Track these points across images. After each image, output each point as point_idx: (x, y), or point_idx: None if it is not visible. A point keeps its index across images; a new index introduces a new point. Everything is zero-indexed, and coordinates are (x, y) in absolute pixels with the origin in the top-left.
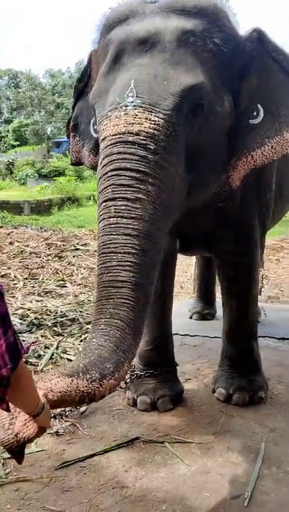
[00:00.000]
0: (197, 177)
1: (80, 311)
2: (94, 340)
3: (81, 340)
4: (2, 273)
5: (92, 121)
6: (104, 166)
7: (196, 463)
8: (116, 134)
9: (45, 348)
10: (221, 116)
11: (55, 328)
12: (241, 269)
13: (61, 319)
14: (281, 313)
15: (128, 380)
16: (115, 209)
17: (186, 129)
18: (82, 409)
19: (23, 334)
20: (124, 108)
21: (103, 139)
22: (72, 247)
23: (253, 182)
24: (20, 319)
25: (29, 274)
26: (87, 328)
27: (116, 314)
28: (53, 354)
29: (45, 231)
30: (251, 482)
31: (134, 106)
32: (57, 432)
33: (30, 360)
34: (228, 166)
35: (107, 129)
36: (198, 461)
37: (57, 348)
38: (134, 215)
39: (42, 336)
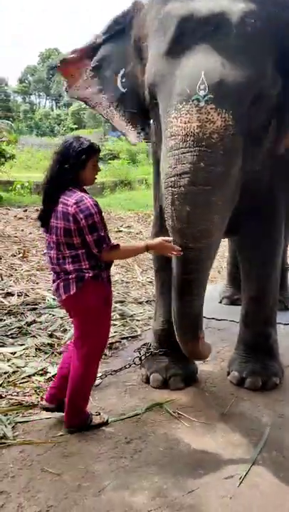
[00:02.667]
0: (246, 158)
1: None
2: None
3: None
4: (45, 251)
5: (121, 73)
6: (177, 176)
7: (196, 441)
8: (188, 135)
9: (72, 323)
10: (272, 98)
11: None
12: (262, 252)
13: None
14: None
15: (143, 358)
16: (192, 235)
17: (246, 120)
18: (97, 382)
19: (54, 309)
20: (195, 102)
21: (172, 136)
22: (116, 229)
23: (281, 166)
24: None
25: None
26: (115, 307)
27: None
28: None
29: None
30: (247, 464)
31: (207, 101)
32: None
33: (55, 333)
34: (274, 138)
35: (178, 126)
36: (199, 439)
37: None
38: (209, 239)
39: None
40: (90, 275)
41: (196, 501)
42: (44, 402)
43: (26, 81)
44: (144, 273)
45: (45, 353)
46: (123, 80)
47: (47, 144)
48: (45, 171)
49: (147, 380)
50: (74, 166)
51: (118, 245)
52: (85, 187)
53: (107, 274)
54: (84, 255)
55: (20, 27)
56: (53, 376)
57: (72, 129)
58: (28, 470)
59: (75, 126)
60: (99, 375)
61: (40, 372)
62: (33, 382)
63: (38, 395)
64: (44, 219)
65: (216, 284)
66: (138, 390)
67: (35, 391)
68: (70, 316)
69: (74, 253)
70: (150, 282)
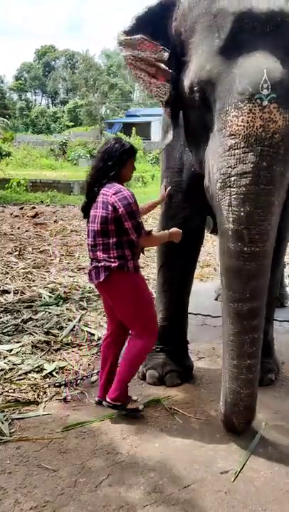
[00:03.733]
0: None
1: None
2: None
3: (104, 315)
4: (42, 249)
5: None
6: (238, 175)
7: (192, 437)
8: (250, 135)
9: (68, 320)
10: None
11: (81, 303)
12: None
13: (88, 294)
14: None
15: None
16: (250, 238)
17: None
18: (94, 378)
19: (50, 307)
20: (258, 101)
21: (232, 135)
22: None
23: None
24: (50, 292)
25: (67, 251)
26: None
27: (254, 353)
28: (74, 326)
29: None
30: (243, 459)
31: (270, 100)
32: (65, 399)
33: (52, 331)
34: None
35: (239, 125)
36: (195, 435)
37: (79, 321)
38: (267, 243)
39: (67, 309)
40: (116, 265)
41: (192, 496)
42: (97, 399)
43: (22, 78)
44: None
45: (42, 350)
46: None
47: (43, 141)
48: (90, 167)
49: (144, 377)
50: (116, 164)
51: (151, 231)
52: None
53: (133, 264)
54: (114, 245)
55: (17, 22)
56: (50, 373)
57: (68, 127)
58: (25, 466)
59: (72, 123)
60: (95, 371)
61: (37, 370)
62: (29, 379)
63: (35, 391)
64: (86, 210)
65: (213, 282)
66: (135, 386)
67: (32, 388)
68: (105, 301)
69: (106, 241)
70: (146, 280)
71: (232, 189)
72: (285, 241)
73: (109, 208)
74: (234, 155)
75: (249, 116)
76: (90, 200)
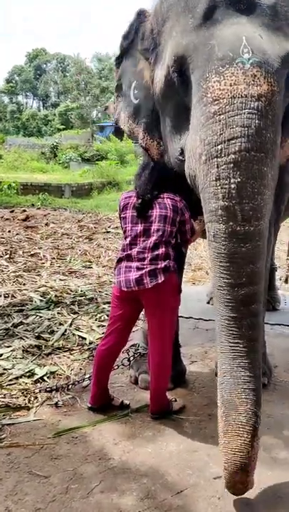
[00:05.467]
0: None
1: (100, 291)
2: (241, 369)
3: (96, 319)
4: (33, 252)
5: (133, 85)
6: (225, 142)
7: (185, 441)
8: (235, 97)
9: (60, 324)
10: None
11: (72, 306)
12: None
13: (80, 298)
14: None
15: (131, 359)
16: (243, 215)
17: (283, 99)
18: (85, 383)
19: (41, 310)
20: (240, 65)
21: (216, 100)
22: (104, 230)
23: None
24: (41, 296)
25: (58, 254)
26: (104, 308)
27: (252, 337)
28: (65, 331)
29: (82, 214)
30: None
31: (252, 64)
32: (56, 404)
33: (43, 335)
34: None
35: (222, 89)
36: (188, 440)
37: (70, 325)
38: (262, 222)
39: (58, 313)
40: (173, 265)
41: (185, 502)
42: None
43: (13, 81)
44: None
45: (33, 354)
46: (135, 92)
47: (34, 144)
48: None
49: (136, 381)
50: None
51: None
52: None
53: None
54: (172, 246)
55: (9, 25)
56: (41, 378)
57: (59, 130)
58: (16, 473)
59: (63, 126)
60: (86, 376)
61: (28, 374)
62: (20, 384)
63: (26, 397)
64: (143, 210)
65: (204, 285)
66: (127, 391)
67: (23, 393)
68: (148, 306)
69: (169, 240)
70: None
71: (219, 159)
72: (269, 249)
73: (179, 211)
74: (219, 121)
75: (232, 80)
76: (148, 201)
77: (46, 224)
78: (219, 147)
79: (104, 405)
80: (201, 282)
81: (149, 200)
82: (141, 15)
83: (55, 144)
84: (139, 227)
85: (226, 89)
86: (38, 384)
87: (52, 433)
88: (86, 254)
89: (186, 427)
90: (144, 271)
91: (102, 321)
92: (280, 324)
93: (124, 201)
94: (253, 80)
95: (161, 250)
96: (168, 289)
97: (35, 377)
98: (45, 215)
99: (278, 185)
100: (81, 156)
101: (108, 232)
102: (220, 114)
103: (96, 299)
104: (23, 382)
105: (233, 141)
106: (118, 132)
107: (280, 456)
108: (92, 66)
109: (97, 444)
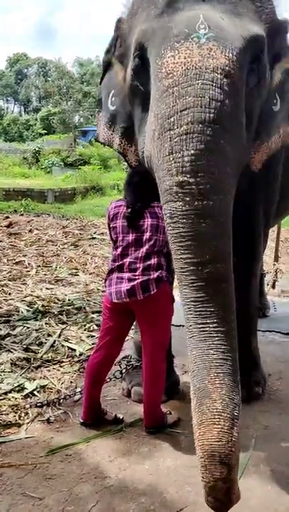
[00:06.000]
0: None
1: (88, 300)
2: (212, 352)
3: (85, 329)
4: (17, 260)
5: (111, 94)
6: (178, 113)
7: (182, 456)
8: (189, 69)
9: (48, 335)
10: (266, 86)
11: (60, 316)
12: (241, 262)
13: (68, 307)
14: None
15: (124, 371)
16: (199, 189)
17: (244, 83)
18: (77, 397)
19: (28, 321)
20: (195, 39)
21: (170, 74)
22: (89, 236)
23: (259, 173)
24: (28, 306)
25: (43, 262)
26: (92, 318)
27: (223, 317)
28: (54, 342)
29: (66, 219)
30: None
31: (208, 38)
32: (48, 420)
33: (31, 347)
34: (251, 147)
35: (176, 62)
36: (184, 455)
37: (59, 336)
38: (221, 196)
39: (46, 324)
40: (165, 275)
41: None
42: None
43: None
44: None
45: (21, 368)
46: (113, 99)
47: (16, 149)
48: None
49: (128, 394)
50: None
51: None
52: None
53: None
54: (164, 255)
55: None
56: (31, 392)
57: (41, 135)
58: (9, 495)
59: (45, 131)
60: (78, 389)
61: (17, 389)
62: (9, 399)
63: (16, 413)
64: (133, 220)
65: None
66: (120, 404)
67: (13, 409)
68: (141, 318)
69: (159, 250)
70: None
71: (172, 132)
72: (260, 239)
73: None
74: (172, 93)
75: (186, 53)
76: (138, 210)
77: (30, 230)
78: (172, 119)
79: (97, 420)
80: None
81: (140, 209)
82: (118, 23)
83: (37, 148)
84: (130, 237)
85: (179, 62)
86: (28, 399)
87: (45, 451)
88: (72, 262)
89: (182, 441)
90: (136, 282)
91: (92, 331)
92: (271, 331)
93: (114, 210)
94: (209, 53)
95: (154, 260)
96: (161, 300)
97: (25, 391)
98: (28, 222)
99: (264, 199)
100: (64, 161)
101: (94, 238)
102: (173, 87)
103: (84, 308)
104: (13, 397)
105: (186, 112)
106: None
107: (278, 469)
108: (73, 71)
109: (92, 462)
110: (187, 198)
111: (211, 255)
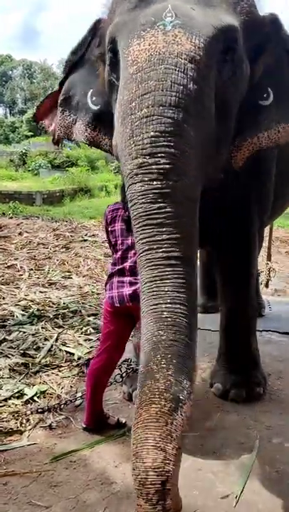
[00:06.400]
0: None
1: (83, 303)
2: (162, 333)
3: (82, 333)
4: (9, 264)
5: (89, 93)
6: (139, 97)
7: (187, 459)
8: (152, 55)
9: (45, 340)
10: (243, 79)
11: (56, 320)
12: (238, 262)
13: (63, 311)
14: (286, 307)
15: (124, 375)
16: (158, 169)
17: (217, 70)
18: (78, 402)
19: (24, 326)
20: (162, 27)
21: (134, 61)
22: (80, 238)
23: (252, 173)
24: (23, 310)
25: (35, 265)
26: (89, 321)
27: (177, 298)
28: (52, 346)
29: (55, 222)
30: (241, 481)
31: (174, 25)
32: (50, 426)
33: (28, 352)
34: (233, 145)
35: (141, 49)
36: (189, 457)
37: (56, 340)
38: (181, 177)
39: (42, 328)
40: None
41: None
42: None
43: None
44: None
45: (20, 373)
46: (93, 98)
47: (2, 151)
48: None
49: (130, 398)
50: None
51: None
52: None
53: None
54: None
55: None
56: (31, 398)
57: (27, 137)
58: (15, 505)
59: (31, 133)
60: (79, 394)
61: (17, 395)
62: (9, 406)
63: (17, 419)
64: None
65: None
66: (121, 408)
67: (14, 416)
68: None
69: None
70: None
71: (133, 116)
72: (255, 239)
73: None
74: (136, 79)
75: (151, 40)
76: None
77: (20, 233)
78: (133, 104)
79: (100, 425)
80: None
81: None
82: (97, 23)
83: (24, 151)
84: (130, 240)
85: (144, 49)
86: (29, 405)
87: (49, 458)
88: (64, 264)
89: (186, 444)
90: (138, 285)
91: (89, 334)
92: (267, 330)
93: (112, 214)
94: (174, 40)
95: None
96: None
97: (25, 397)
98: (18, 225)
99: (259, 198)
100: (51, 162)
101: (85, 240)
102: (137, 73)
103: (80, 311)
104: (13, 403)
105: (147, 96)
106: None
107: (284, 470)
108: (59, 72)
109: (97, 468)
110: (146, 179)
111: (168, 235)
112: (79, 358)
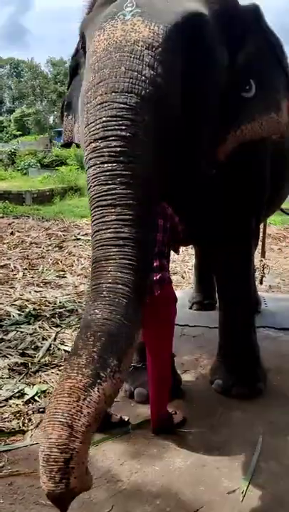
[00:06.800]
0: (193, 132)
1: (79, 302)
2: (97, 311)
3: None
4: (2, 264)
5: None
6: (94, 86)
7: (192, 456)
8: (110, 44)
9: (43, 339)
10: (219, 69)
11: (53, 319)
12: (235, 259)
13: (60, 310)
14: (282, 303)
15: None
16: (109, 152)
17: (184, 57)
18: None
19: (21, 325)
20: (121, 17)
21: (93, 52)
22: (73, 237)
23: (246, 169)
24: (19, 310)
25: (29, 265)
26: None
27: (120, 278)
28: (50, 345)
29: (46, 221)
30: (247, 476)
31: (133, 15)
32: None
33: (27, 351)
34: (219, 138)
35: (100, 39)
36: (194, 454)
37: (55, 339)
38: (131, 159)
39: (40, 327)
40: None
41: None
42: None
43: None
44: None
45: (19, 373)
46: None
47: None
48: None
49: (131, 395)
50: None
51: None
52: None
53: None
54: (165, 255)
55: None
56: (32, 398)
57: (15, 136)
58: (21, 505)
59: (19, 132)
60: None
61: (17, 395)
62: (11, 406)
63: (19, 419)
64: None
65: (184, 290)
66: (123, 406)
67: (15, 416)
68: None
69: (165, 250)
70: None
71: (89, 104)
72: (251, 234)
73: (168, 217)
74: (94, 69)
75: (110, 30)
76: None
77: (12, 233)
78: (89, 93)
79: (103, 423)
80: (179, 287)
81: None
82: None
83: (13, 150)
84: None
85: (103, 39)
86: (30, 404)
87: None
88: (58, 264)
89: (190, 441)
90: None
91: None
92: (264, 326)
93: None
94: (132, 28)
95: (156, 262)
96: (164, 301)
97: (26, 397)
98: (9, 224)
99: (253, 191)
100: (40, 162)
101: (78, 239)
102: (95, 63)
103: (77, 310)
104: (14, 403)
105: (101, 84)
106: None
107: None
108: (47, 71)
109: (102, 466)
110: (98, 162)
111: (116, 216)
112: None
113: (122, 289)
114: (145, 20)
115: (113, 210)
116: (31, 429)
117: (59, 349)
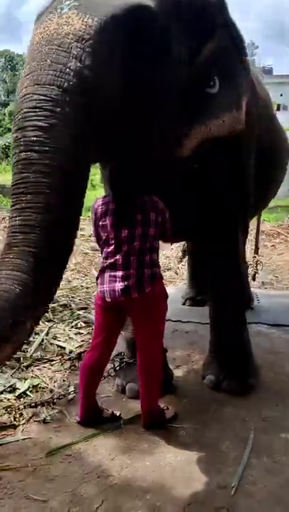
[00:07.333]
0: (145, 125)
1: (72, 297)
2: None
3: (72, 326)
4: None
5: None
6: (22, 79)
7: (183, 452)
8: (44, 38)
9: (35, 334)
10: (176, 63)
11: (46, 314)
12: (223, 256)
13: (52, 305)
14: (274, 299)
15: (117, 368)
16: (25, 141)
17: (125, 50)
18: (71, 396)
19: None
20: (59, 11)
21: (30, 45)
22: None
23: (229, 166)
24: None
25: None
26: (79, 315)
27: (18, 265)
28: (42, 340)
29: None
30: (238, 472)
31: (70, 8)
32: (44, 420)
33: None
34: (181, 134)
35: (36, 34)
36: (185, 450)
37: (47, 334)
38: (46, 148)
39: None
40: (159, 271)
41: None
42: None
43: None
44: None
45: (11, 367)
46: None
47: None
48: None
49: (123, 391)
50: None
51: None
52: None
53: None
54: (157, 249)
55: None
56: (23, 393)
57: (10, 130)
58: (11, 499)
59: None
60: (72, 388)
61: (9, 389)
62: (2, 400)
63: (10, 414)
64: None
65: (177, 286)
66: (115, 401)
67: (6, 410)
68: (136, 315)
69: (156, 245)
70: None
71: (17, 97)
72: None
73: (159, 211)
74: (27, 63)
75: (46, 24)
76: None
77: (5, 227)
78: (19, 86)
79: (94, 418)
80: (172, 283)
81: (128, 204)
82: None
83: (7, 144)
84: (122, 234)
85: (38, 33)
86: (22, 399)
87: (44, 452)
88: None
89: (182, 436)
90: (130, 280)
91: (79, 328)
92: (257, 323)
93: (102, 208)
94: (66, 21)
95: (147, 257)
96: (155, 297)
97: (18, 392)
98: (3, 219)
99: (236, 187)
100: None
101: None
102: (28, 56)
103: (70, 305)
104: (5, 398)
105: (28, 76)
106: None
107: (281, 460)
108: None
109: (93, 461)
110: (16, 151)
111: (26, 204)
112: (70, 352)
113: (19, 276)
114: (80, 13)
115: (24, 198)
116: (22, 424)
117: (51, 344)
